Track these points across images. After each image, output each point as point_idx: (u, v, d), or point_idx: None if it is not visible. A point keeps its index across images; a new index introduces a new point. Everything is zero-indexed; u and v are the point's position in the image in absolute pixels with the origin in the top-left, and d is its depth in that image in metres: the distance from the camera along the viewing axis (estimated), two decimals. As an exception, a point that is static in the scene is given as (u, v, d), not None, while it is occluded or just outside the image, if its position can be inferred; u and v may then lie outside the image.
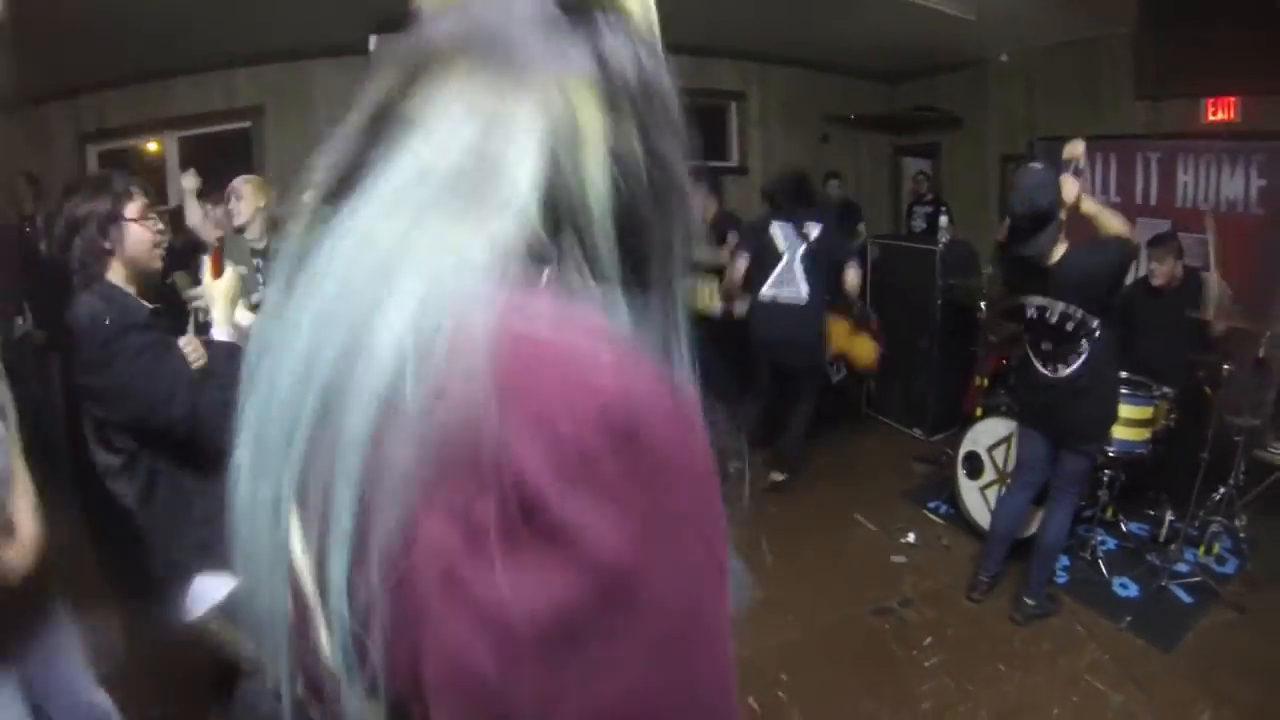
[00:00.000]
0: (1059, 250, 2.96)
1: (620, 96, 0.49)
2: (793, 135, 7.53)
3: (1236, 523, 3.80)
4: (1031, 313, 3.09)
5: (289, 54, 5.37)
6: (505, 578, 0.36)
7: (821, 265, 4.30)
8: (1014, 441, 3.61)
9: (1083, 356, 2.96)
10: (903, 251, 5.48)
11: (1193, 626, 3.21)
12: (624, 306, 0.50)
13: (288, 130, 5.46)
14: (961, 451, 3.95)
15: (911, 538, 3.89)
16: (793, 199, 4.40)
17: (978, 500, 3.85)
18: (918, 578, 3.59)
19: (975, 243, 5.64)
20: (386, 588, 0.39)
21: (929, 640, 3.12)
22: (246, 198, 3.25)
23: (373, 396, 0.39)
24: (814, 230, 4.28)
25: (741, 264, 4.38)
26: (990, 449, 3.80)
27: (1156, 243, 4.11)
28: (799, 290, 4.26)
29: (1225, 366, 3.44)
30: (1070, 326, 2.97)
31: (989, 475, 3.80)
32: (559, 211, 0.47)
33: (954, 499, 4.04)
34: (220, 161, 4.89)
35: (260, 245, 3.26)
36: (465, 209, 0.44)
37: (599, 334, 0.43)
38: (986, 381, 4.58)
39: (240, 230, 3.29)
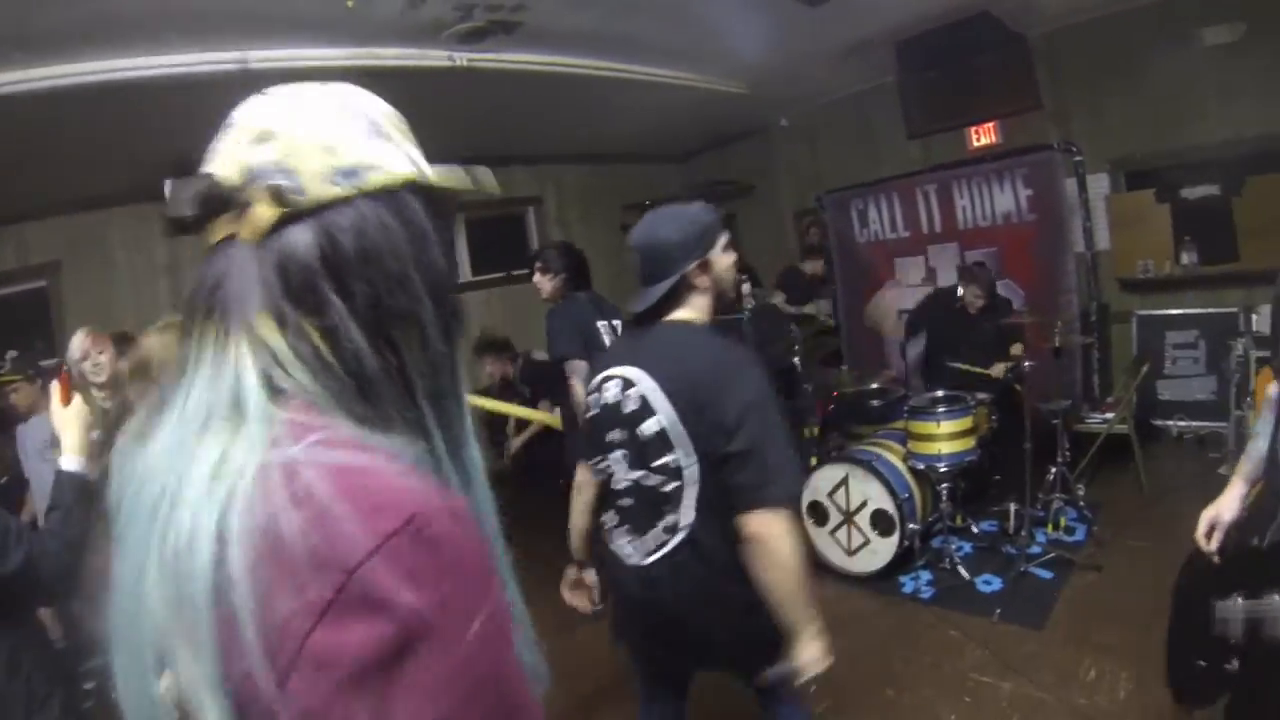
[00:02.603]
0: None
1: (312, 293, 0.61)
2: (593, 229, 7.78)
3: (1078, 492, 4.19)
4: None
5: (83, 204, 5.09)
6: (331, 634, 0.47)
7: None
8: (849, 481, 3.82)
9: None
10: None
11: (1058, 599, 3.44)
12: (404, 437, 0.62)
13: (88, 285, 5.15)
14: (804, 502, 4.01)
15: (773, 596, 3.87)
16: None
17: (829, 544, 3.96)
18: (788, 632, 3.56)
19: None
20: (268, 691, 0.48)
21: (812, 689, 3.10)
22: (108, 351, 2.98)
23: (202, 544, 0.51)
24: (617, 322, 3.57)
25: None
26: (830, 494, 3.92)
27: (965, 273, 4.53)
28: None
29: (1026, 363, 3.81)
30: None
31: (835, 518, 3.93)
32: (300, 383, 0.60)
33: (809, 549, 4.09)
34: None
35: (108, 405, 2.88)
36: (222, 425, 0.57)
37: (386, 457, 0.56)
38: (816, 431, 4.82)
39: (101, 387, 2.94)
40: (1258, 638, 1.58)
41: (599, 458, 1.86)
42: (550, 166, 7.51)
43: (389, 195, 0.64)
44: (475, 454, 0.70)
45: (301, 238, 0.61)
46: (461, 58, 4.21)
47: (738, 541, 1.62)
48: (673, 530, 1.73)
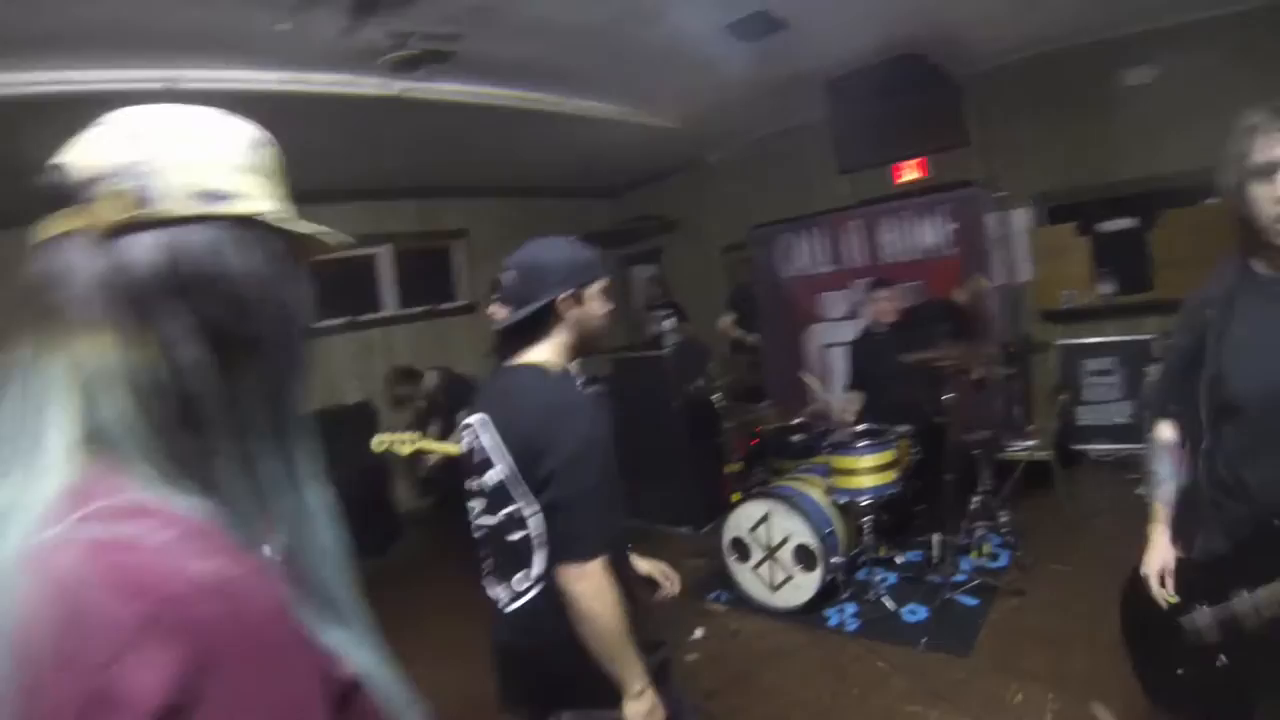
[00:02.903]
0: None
1: (152, 305, 0.58)
2: (521, 265, 7.77)
3: (1000, 519, 4.28)
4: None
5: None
6: None
7: None
8: (771, 517, 3.82)
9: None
10: (634, 361, 5.58)
11: (983, 625, 3.49)
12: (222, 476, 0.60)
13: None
14: (726, 539, 4.05)
15: (699, 633, 3.85)
16: None
17: (752, 580, 3.99)
18: (715, 668, 3.52)
19: (708, 333, 6.21)
20: None
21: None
22: None
23: None
24: None
25: None
26: (751, 530, 3.93)
27: (868, 288, 4.63)
28: None
29: (944, 396, 3.90)
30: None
31: (757, 554, 3.94)
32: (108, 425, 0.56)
33: (731, 585, 4.11)
34: None
35: None
36: (19, 465, 0.54)
37: (164, 523, 0.52)
38: (740, 465, 4.83)
39: None
40: (1237, 632, 1.64)
41: (468, 502, 1.82)
42: (479, 200, 7.42)
43: (246, 226, 0.63)
44: (313, 497, 0.68)
45: (146, 246, 0.59)
46: (394, 86, 4.17)
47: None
48: (529, 579, 1.68)
